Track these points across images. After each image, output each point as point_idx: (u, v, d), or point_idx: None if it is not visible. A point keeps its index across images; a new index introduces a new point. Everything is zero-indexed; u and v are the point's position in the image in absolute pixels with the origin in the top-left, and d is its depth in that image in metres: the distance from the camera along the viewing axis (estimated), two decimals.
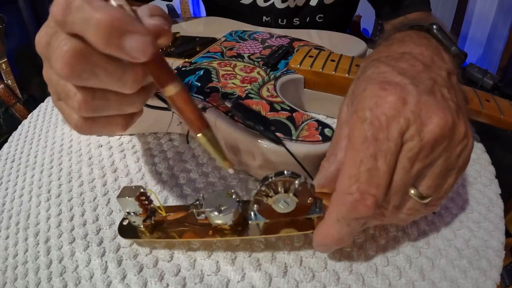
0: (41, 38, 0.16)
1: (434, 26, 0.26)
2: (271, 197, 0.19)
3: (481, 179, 0.28)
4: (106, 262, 0.23)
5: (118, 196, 0.21)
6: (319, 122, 0.26)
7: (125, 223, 0.23)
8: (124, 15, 0.14)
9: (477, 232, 0.24)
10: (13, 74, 0.85)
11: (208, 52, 0.37)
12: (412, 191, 0.18)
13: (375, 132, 0.16)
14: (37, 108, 0.45)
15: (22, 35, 0.95)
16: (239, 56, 0.35)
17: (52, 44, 0.15)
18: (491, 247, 0.23)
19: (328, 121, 0.34)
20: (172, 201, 0.27)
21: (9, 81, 0.84)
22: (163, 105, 0.28)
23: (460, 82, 0.21)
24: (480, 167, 0.30)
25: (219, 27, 0.45)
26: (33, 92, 0.92)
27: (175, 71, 0.33)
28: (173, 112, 0.28)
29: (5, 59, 0.84)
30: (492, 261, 0.22)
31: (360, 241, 0.23)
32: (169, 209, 0.23)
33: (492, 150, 0.32)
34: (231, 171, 0.18)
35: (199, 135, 0.17)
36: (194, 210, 0.20)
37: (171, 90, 0.17)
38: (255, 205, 0.19)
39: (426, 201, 0.18)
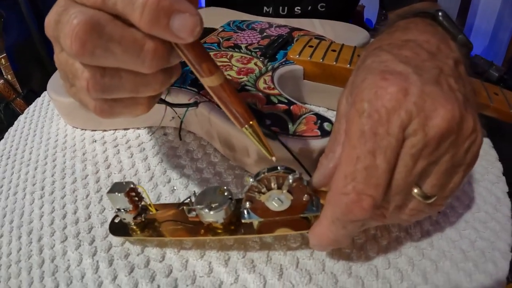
0: (50, 19, 0.14)
1: (440, 13, 0.24)
2: (263, 193, 0.18)
3: (488, 176, 0.27)
4: (98, 261, 0.23)
5: (108, 192, 0.20)
6: (318, 116, 0.24)
7: (116, 220, 0.23)
8: None
9: (484, 233, 0.23)
10: (12, 69, 0.85)
11: (205, 43, 0.36)
12: (415, 190, 0.16)
13: (373, 126, 0.15)
14: (34, 103, 0.44)
15: (21, 30, 0.94)
16: (236, 47, 0.34)
17: (61, 20, 0.13)
18: (497, 248, 0.22)
19: (329, 114, 0.33)
20: (165, 198, 0.26)
21: (8, 76, 0.84)
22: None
23: (468, 73, 0.19)
24: (487, 163, 0.28)
25: (219, 18, 0.44)
26: (33, 86, 0.91)
27: None
28: (166, 106, 0.27)
29: (4, 54, 0.84)
30: (499, 264, 0.21)
31: (361, 241, 0.22)
32: (161, 206, 0.22)
33: (496, 143, 0.30)
34: (274, 159, 0.18)
35: (244, 128, 0.17)
36: (185, 207, 0.20)
37: (216, 80, 0.15)
38: (248, 202, 0.18)
39: (430, 201, 0.17)
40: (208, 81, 0.15)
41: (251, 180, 0.17)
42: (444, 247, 0.22)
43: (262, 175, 0.17)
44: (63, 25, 0.13)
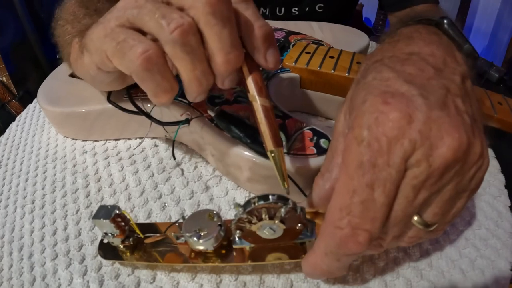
0: None
1: (445, 21, 0.23)
2: (254, 224, 0.17)
3: (490, 190, 0.26)
4: (88, 282, 0.22)
5: (93, 218, 0.19)
6: (314, 132, 0.23)
7: (105, 241, 0.22)
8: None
9: (484, 251, 0.22)
10: (8, 70, 0.84)
11: None
12: (416, 218, 0.15)
13: (373, 156, 0.14)
14: (26, 109, 0.43)
15: (17, 31, 0.92)
16: None
17: None
18: (497, 267, 0.21)
19: (326, 123, 0.32)
20: (156, 216, 0.26)
21: (3, 78, 0.83)
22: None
23: (473, 83, 0.18)
24: (489, 176, 0.27)
25: None
26: (29, 87, 0.90)
27: None
28: (151, 120, 0.26)
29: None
30: (499, 284, 0.20)
31: (357, 263, 0.21)
32: (150, 227, 0.21)
33: (498, 149, 0.29)
34: (285, 190, 0.18)
35: (271, 151, 0.19)
36: (173, 233, 0.19)
37: (268, 102, 0.19)
38: (238, 231, 0.18)
39: (431, 229, 0.16)
40: (263, 101, 0.19)
41: (240, 209, 0.16)
42: (443, 267, 0.21)
43: (253, 205, 0.16)
44: None
